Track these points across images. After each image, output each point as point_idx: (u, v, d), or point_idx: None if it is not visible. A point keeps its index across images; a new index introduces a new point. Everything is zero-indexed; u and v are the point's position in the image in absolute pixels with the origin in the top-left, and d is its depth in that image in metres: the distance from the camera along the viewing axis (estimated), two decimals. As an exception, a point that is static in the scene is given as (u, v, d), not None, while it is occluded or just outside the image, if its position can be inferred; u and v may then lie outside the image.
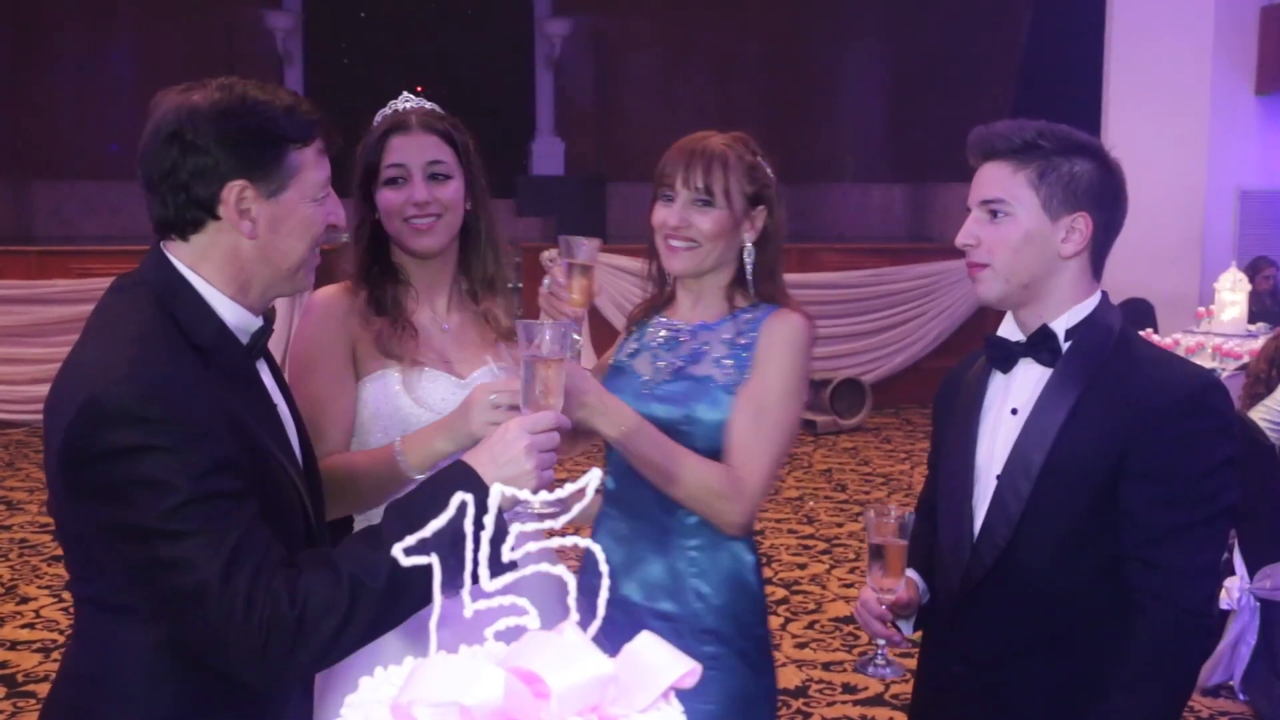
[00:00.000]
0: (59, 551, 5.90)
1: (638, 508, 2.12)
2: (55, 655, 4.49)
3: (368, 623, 1.43)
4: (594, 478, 0.89)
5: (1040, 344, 1.84)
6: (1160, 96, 8.49)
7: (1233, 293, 6.46)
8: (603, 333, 9.45)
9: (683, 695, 2.27)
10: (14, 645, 4.62)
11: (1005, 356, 1.89)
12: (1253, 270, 7.58)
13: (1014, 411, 1.86)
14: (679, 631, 2.08)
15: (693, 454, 2.03)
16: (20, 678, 4.32)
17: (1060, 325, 1.83)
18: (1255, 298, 6.96)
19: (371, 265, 2.14)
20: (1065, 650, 1.82)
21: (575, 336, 2.06)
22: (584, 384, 1.94)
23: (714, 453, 2.06)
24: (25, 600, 5.13)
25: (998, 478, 1.85)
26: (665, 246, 2.11)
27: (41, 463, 6.18)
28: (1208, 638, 1.79)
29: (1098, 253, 1.85)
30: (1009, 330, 1.90)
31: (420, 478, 1.91)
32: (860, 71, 13.29)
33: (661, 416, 2.07)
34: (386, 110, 2.17)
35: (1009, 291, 1.83)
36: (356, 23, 13.48)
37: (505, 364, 2.13)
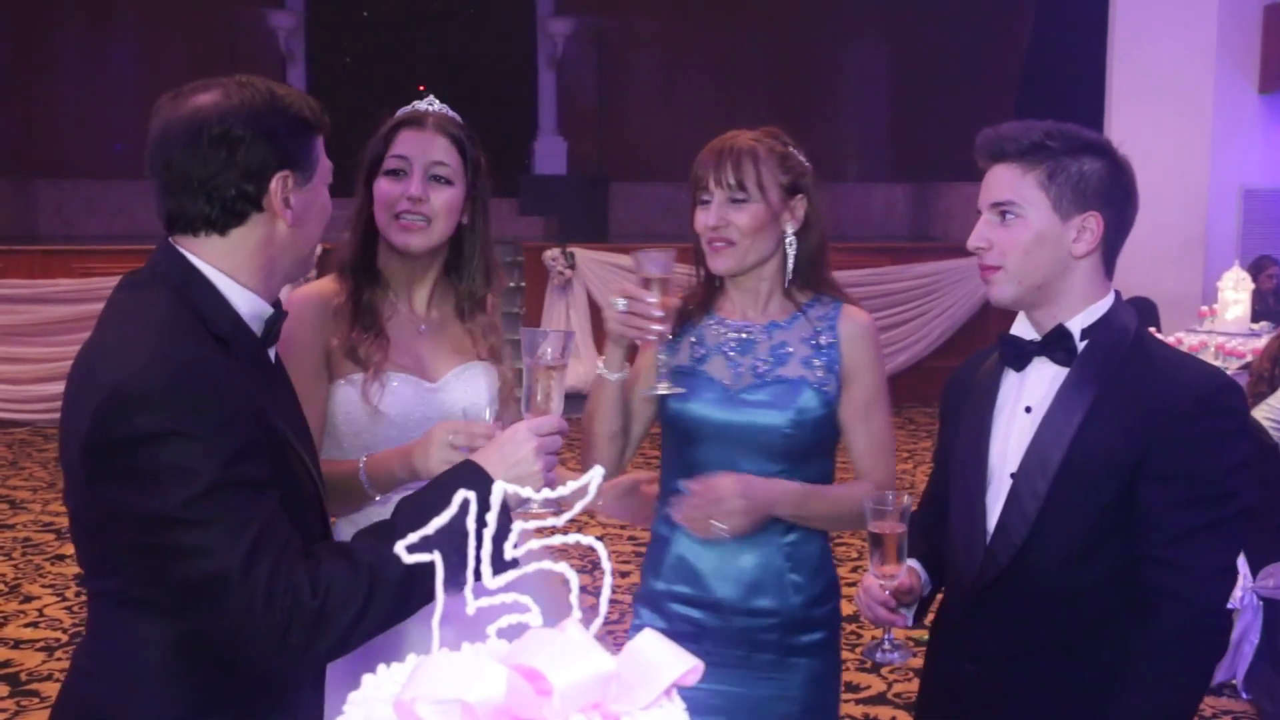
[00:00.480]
0: (63, 550, 5.90)
1: None
2: (59, 654, 4.50)
3: (384, 613, 1.46)
4: (596, 475, 0.89)
5: (1055, 343, 1.84)
6: (1163, 95, 8.48)
7: (1236, 292, 6.45)
8: (601, 329, 9.49)
9: (766, 683, 2.34)
10: (17, 644, 4.62)
11: (1019, 355, 1.88)
12: (1256, 269, 7.57)
13: (1028, 410, 1.86)
14: (776, 627, 2.14)
15: (840, 487, 2.15)
16: (24, 676, 4.32)
17: (1076, 325, 1.83)
18: (1258, 296, 6.94)
19: (361, 257, 2.13)
20: (1075, 650, 1.82)
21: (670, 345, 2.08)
22: (748, 481, 2.04)
23: (812, 447, 2.13)
24: (29, 599, 5.14)
25: (1013, 476, 1.84)
26: (709, 248, 2.12)
27: (45, 461, 6.21)
28: (1222, 637, 1.79)
29: (1109, 251, 1.85)
30: (1022, 329, 1.90)
31: (379, 498, 1.94)
32: (863, 71, 13.28)
33: (765, 423, 2.10)
34: (408, 108, 2.16)
35: (1022, 293, 1.83)
36: (359, 22, 13.48)
37: (486, 362, 2.14)
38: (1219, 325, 6.46)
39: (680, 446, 2.16)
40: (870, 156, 13.10)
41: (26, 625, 4.83)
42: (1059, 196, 1.79)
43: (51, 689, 4.19)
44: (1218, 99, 8.58)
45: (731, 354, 2.15)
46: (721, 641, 2.13)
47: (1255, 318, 6.60)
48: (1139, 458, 1.74)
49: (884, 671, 4.27)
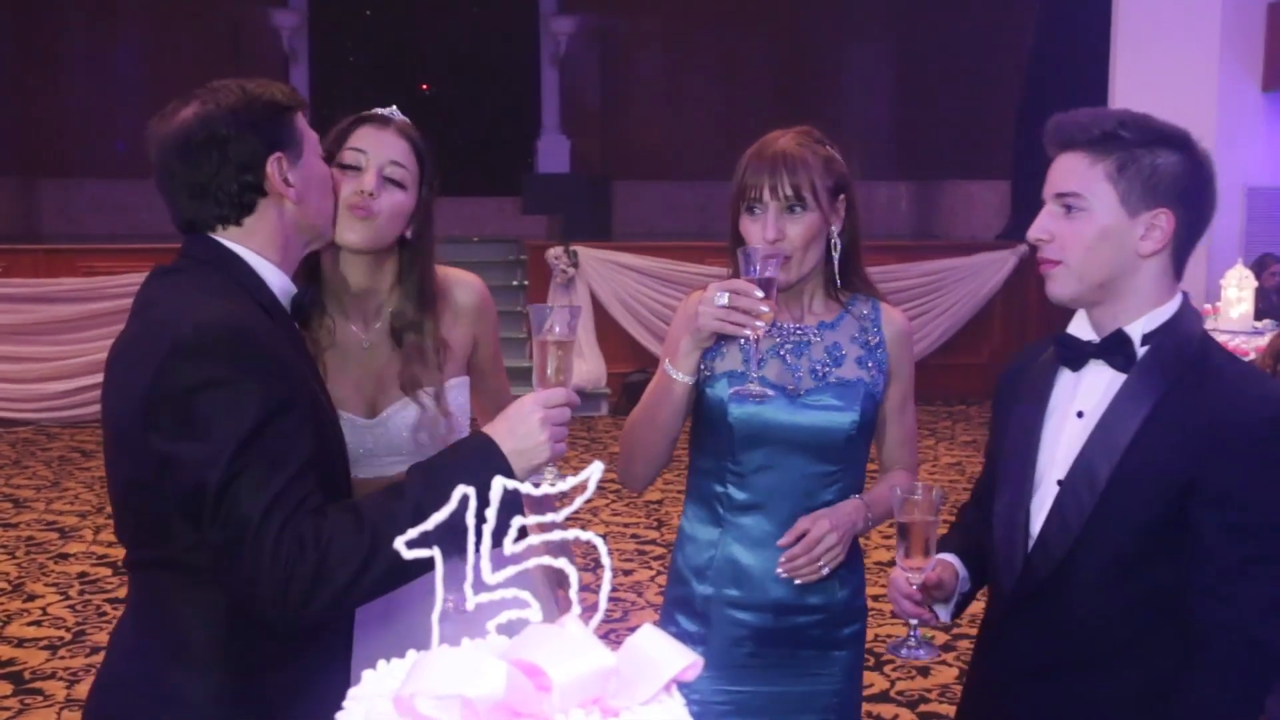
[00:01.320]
0: (66, 549, 5.91)
1: (780, 511, 2.10)
2: (62, 653, 4.51)
3: (382, 573, 1.48)
4: (596, 471, 0.89)
5: (1114, 347, 1.74)
6: (1166, 94, 8.44)
7: (1239, 289, 6.43)
8: (605, 327, 9.52)
9: (809, 679, 2.21)
10: (20, 643, 4.63)
11: (1075, 356, 1.79)
12: (1259, 267, 7.55)
13: (1080, 415, 1.76)
14: (822, 622, 2.14)
15: (883, 485, 2.17)
16: (27, 675, 4.32)
17: (1137, 329, 1.73)
18: (1262, 294, 6.92)
19: (311, 268, 2.03)
20: (1109, 669, 1.73)
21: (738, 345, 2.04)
22: (830, 516, 2.06)
23: (864, 447, 2.15)
24: (32, 598, 5.15)
25: (1059, 483, 1.75)
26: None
27: (48, 460, 6.21)
28: (1272, 674, 1.67)
29: (1180, 252, 1.75)
30: (1080, 328, 1.80)
31: None
32: (866, 69, 13.28)
33: (830, 425, 2.08)
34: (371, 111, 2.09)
35: (1083, 290, 1.73)
36: (362, 21, 13.47)
37: (429, 398, 2.06)
38: (1222, 323, 6.44)
39: (736, 450, 2.09)
40: (874, 154, 13.07)
41: (30, 624, 4.83)
42: (1128, 190, 1.68)
43: (55, 687, 4.20)
44: (1221, 97, 8.57)
45: (787, 356, 2.11)
46: (766, 642, 2.12)
47: (1258, 315, 6.58)
48: (1193, 477, 1.63)
49: (887, 669, 4.26)
